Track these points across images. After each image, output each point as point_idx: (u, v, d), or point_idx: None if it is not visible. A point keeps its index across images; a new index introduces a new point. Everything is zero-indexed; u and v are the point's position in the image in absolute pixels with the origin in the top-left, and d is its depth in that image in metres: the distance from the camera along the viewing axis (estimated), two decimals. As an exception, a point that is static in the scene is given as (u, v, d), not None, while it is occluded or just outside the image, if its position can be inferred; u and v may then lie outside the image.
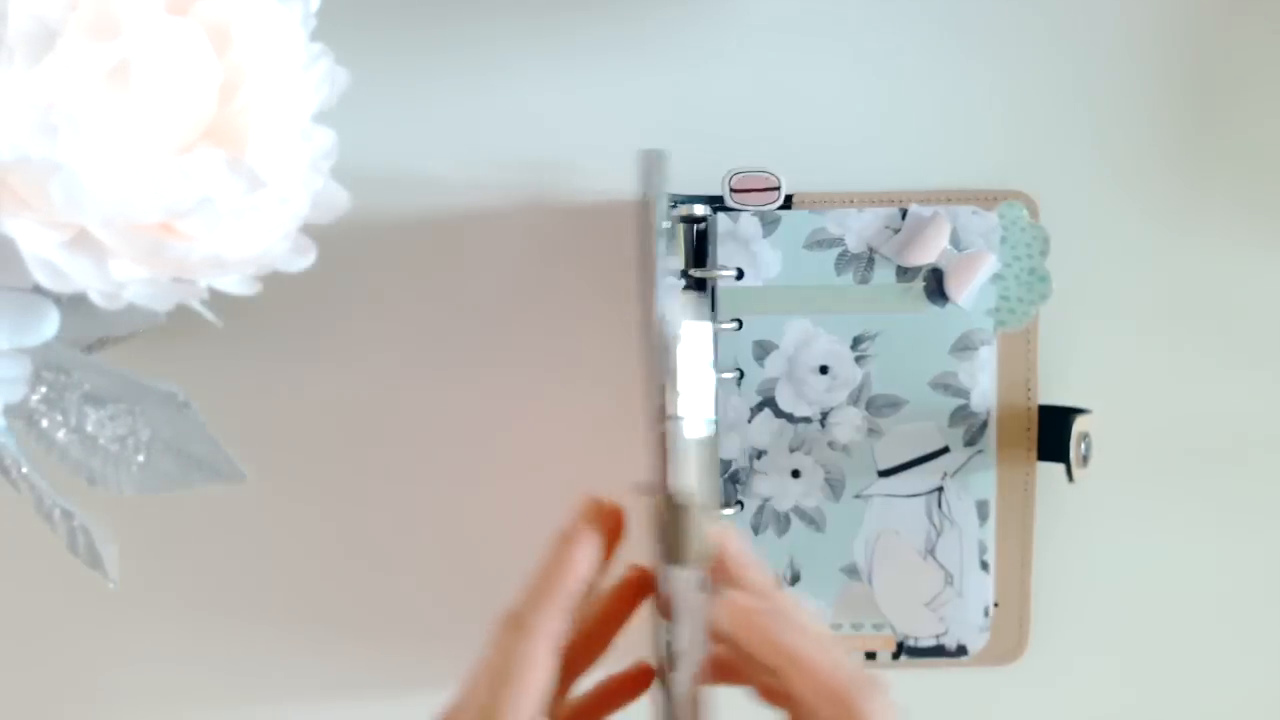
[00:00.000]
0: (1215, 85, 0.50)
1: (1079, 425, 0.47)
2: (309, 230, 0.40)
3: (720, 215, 0.47)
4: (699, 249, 0.48)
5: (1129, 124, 0.50)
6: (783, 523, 0.49)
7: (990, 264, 0.48)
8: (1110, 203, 0.50)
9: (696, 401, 0.33)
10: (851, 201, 0.48)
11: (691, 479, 0.32)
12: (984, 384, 0.48)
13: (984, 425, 0.48)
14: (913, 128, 0.50)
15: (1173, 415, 0.51)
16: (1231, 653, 0.52)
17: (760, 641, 0.32)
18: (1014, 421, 0.49)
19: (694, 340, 0.33)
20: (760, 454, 0.48)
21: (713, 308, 0.48)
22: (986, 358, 0.48)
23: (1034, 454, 0.49)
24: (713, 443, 0.45)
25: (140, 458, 0.41)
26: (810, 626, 0.33)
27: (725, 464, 0.48)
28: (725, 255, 0.47)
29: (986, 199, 0.48)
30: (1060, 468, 0.48)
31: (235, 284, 0.38)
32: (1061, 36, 0.50)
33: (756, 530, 0.49)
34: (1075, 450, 0.47)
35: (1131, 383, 0.51)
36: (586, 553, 0.33)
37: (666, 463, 0.32)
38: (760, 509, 0.49)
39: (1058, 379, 0.50)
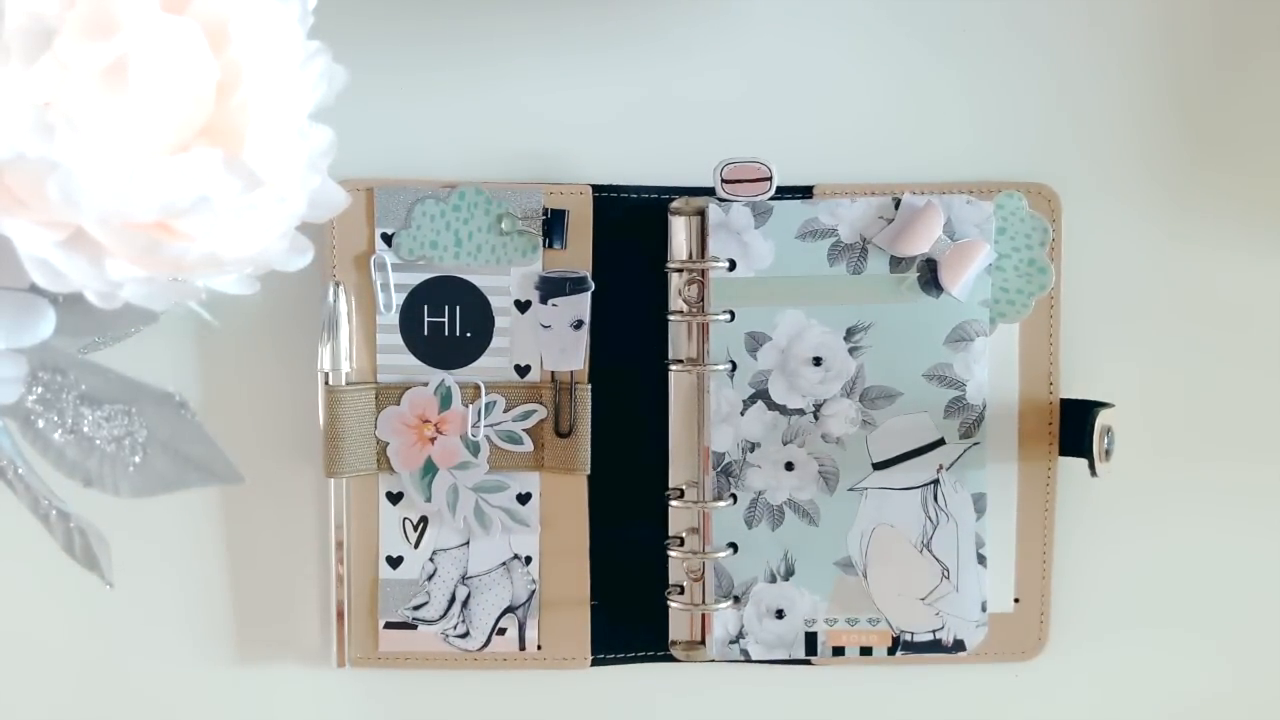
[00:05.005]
0: (1242, 74, 0.50)
1: (1102, 419, 0.46)
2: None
3: (712, 206, 0.47)
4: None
5: (1153, 115, 0.50)
6: (777, 516, 0.48)
7: (985, 254, 0.47)
8: (1131, 197, 0.50)
9: None
10: (872, 193, 0.48)
11: None
12: (980, 376, 0.48)
13: (980, 418, 0.48)
14: (935, 121, 0.50)
15: (1194, 408, 0.50)
16: (1257, 649, 0.51)
17: None
18: (1035, 415, 0.49)
19: None
20: (753, 447, 0.48)
21: (702, 299, 0.48)
22: (982, 349, 0.47)
23: (1055, 448, 0.49)
24: None
25: (137, 459, 0.41)
26: None
27: (718, 457, 0.48)
28: (717, 246, 0.47)
29: (989, 190, 0.48)
30: (1079, 463, 0.47)
31: (233, 284, 0.38)
32: (1076, 30, 0.50)
33: (750, 524, 0.48)
34: (1099, 444, 0.46)
35: (1151, 376, 0.50)
36: None
37: None
38: (754, 502, 0.48)
39: (1078, 373, 0.49)
